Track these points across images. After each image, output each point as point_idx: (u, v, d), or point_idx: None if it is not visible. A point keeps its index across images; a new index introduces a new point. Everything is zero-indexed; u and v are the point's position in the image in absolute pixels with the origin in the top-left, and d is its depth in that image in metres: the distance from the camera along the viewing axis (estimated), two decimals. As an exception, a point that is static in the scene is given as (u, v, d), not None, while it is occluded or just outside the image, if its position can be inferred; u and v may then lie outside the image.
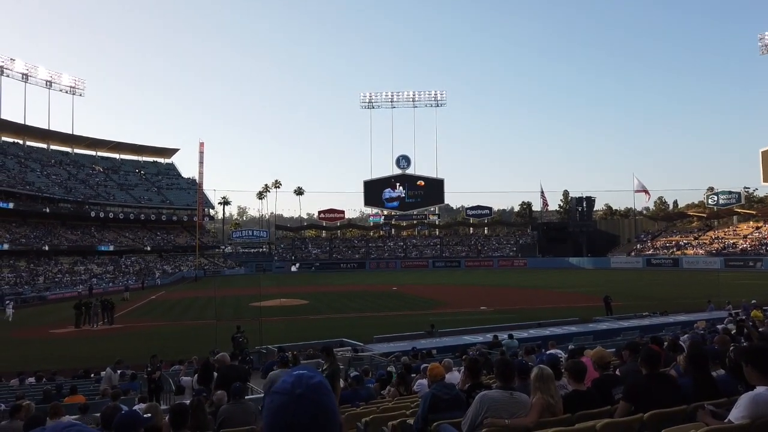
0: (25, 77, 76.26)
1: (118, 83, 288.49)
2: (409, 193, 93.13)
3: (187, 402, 6.60)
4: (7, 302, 32.85)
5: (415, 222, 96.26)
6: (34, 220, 65.48)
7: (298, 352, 15.13)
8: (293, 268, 79.19)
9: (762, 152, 73.26)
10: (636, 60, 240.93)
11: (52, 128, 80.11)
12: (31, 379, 15.51)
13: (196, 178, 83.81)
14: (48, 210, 65.11)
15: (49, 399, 10.51)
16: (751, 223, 73.83)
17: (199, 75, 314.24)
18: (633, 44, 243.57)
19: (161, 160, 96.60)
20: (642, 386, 4.45)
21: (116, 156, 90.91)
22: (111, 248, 70.05)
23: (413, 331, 22.80)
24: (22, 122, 75.71)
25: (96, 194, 75.44)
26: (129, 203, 78.72)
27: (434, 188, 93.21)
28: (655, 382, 4.48)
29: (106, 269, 64.27)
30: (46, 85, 79.45)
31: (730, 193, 77.37)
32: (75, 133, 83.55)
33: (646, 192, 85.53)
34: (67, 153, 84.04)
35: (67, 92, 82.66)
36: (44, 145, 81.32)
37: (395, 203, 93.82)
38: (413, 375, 9.75)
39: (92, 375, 15.91)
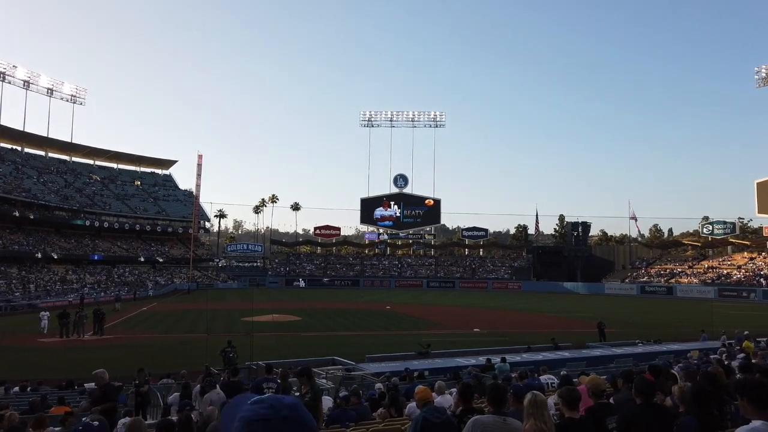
0: (27, 84, 76.50)
1: (119, 93, 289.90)
2: (405, 213, 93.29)
3: (175, 419, 6.50)
4: (42, 314, 32.14)
5: (410, 241, 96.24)
6: (28, 226, 65.14)
7: (289, 369, 14.93)
8: (301, 284, 78.21)
9: (757, 183, 73.89)
10: (633, 88, 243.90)
11: (51, 136, 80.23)
12: (16, 389, 15.25)
13: (193, 190, 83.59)
14: (41, 216, 64.82)
15: (35, 410, 10.33)
16: (746, 253, 74.15)
17: (200, 88, 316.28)
18: (631, 73, 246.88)
19: (159, 171, 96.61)
20: (636, 416, 4.40)
21: (114, 165, 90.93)
22: (104, 257, 69.65)
23: (406, 351, 22.60)
24: (22, 129, 75.79)
25: (92, 203, 75.21)
26: (125, 213, 78.48)
27: (431, 208, 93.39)
28: (649, 413, 4.43)
29: (98, 278, 63.79)
30: (47, 92, 79.66)
31: (725, 223, 77.82)
32: (74, 141, 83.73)
33: (635, 221, 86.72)
34: (64, 161, 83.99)
35: (67, 100, 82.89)
36: (42, 153, 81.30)
37: (391, 222, 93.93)
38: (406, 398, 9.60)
39: (76, 386, 15.60)
